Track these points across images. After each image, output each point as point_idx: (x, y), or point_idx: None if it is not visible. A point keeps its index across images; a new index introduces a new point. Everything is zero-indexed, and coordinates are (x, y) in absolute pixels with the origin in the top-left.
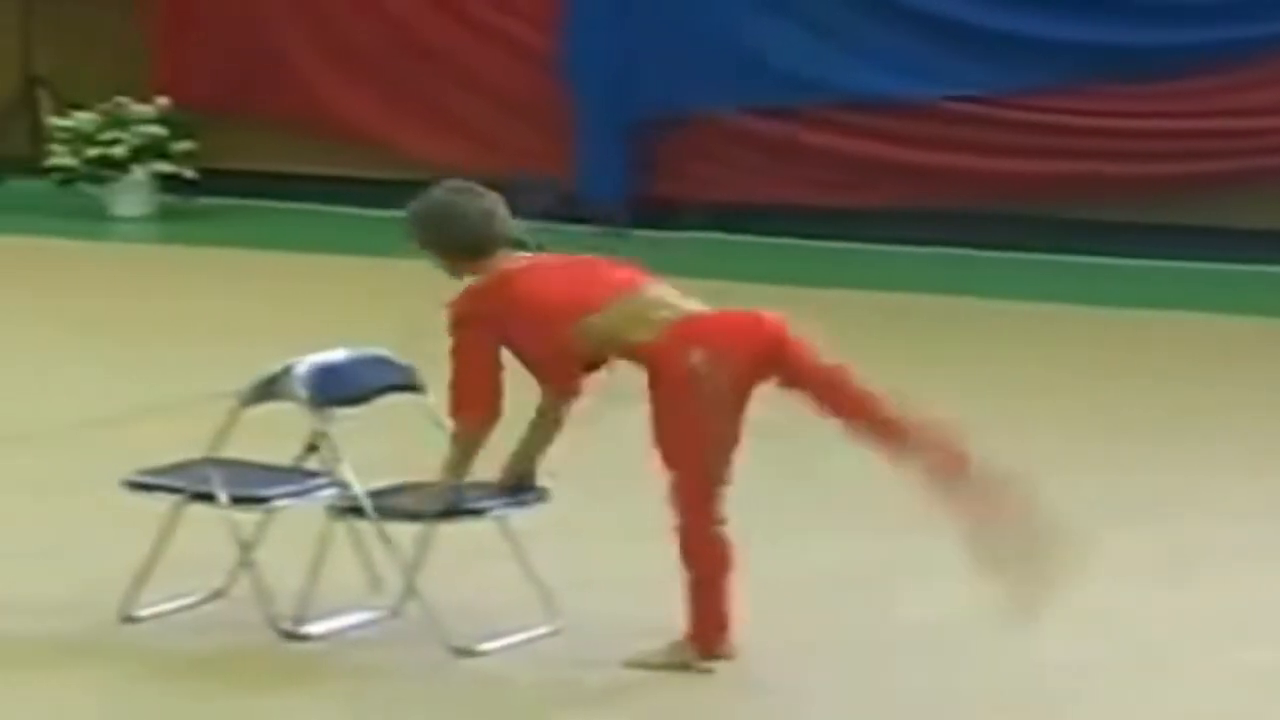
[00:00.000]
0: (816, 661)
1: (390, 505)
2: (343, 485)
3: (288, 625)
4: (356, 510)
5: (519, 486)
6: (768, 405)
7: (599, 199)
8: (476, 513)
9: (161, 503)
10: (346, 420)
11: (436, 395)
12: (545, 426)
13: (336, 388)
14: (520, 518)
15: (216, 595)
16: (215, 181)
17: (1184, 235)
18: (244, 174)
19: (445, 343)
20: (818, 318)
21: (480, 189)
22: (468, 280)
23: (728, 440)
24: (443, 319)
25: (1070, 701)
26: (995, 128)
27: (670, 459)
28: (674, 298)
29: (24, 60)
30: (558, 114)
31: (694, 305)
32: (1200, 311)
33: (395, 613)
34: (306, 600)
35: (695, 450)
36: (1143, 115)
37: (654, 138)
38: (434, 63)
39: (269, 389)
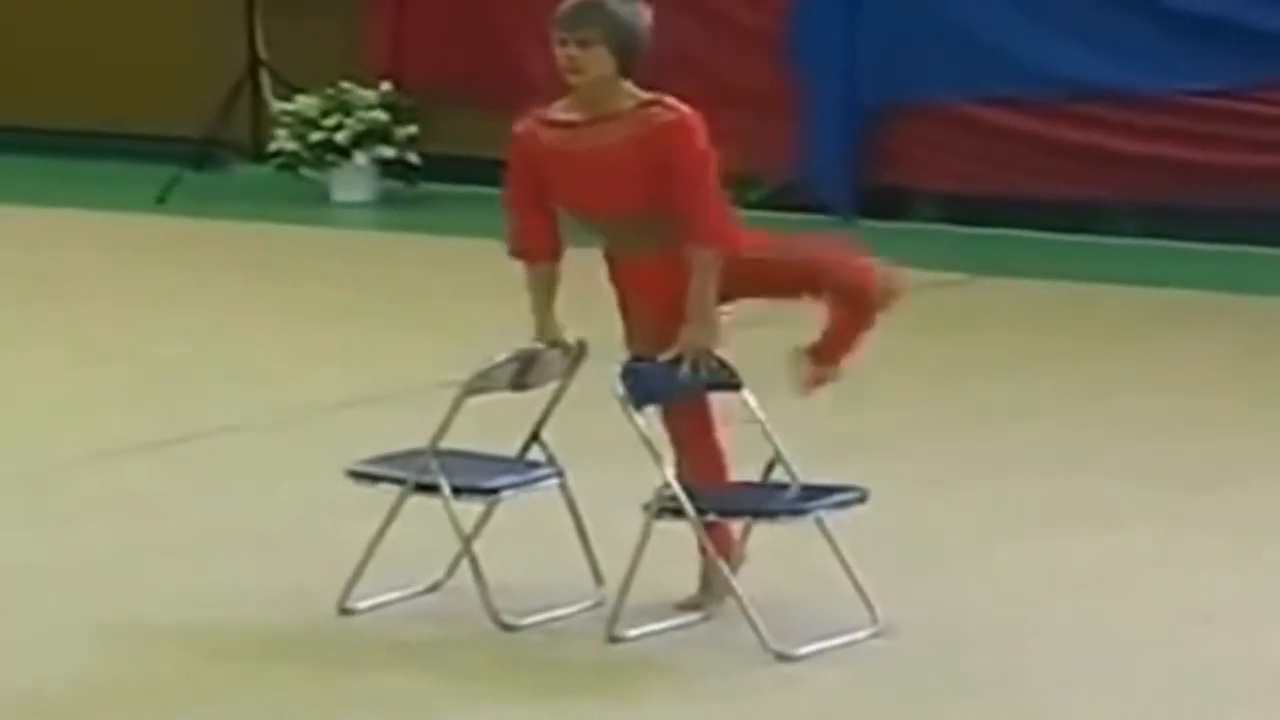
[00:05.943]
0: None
1: (708, 505)
2: (666, 487)
3: (508, 618)
4: (675, 511)
5: (836, 489)
6: None
7: (827, 188)
8: (797, 513)
9: (384, 493)
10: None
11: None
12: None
13: (653, 386)
14: (838, 517)
15: (435, 587)
16: (438, 167)
17: None
18: (467, 160)
19: None
20: (1043, 309)
21: None
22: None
23: None
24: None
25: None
26: (1230, 122)
27: None
28: None
29: (248, 44)
30: (786, 102)
31: None
32: None
33: (710, 616)
34: (621, 604)
35: None
36: None
37: (883, 126)
38: (659, 48)
39: (491, 379)
